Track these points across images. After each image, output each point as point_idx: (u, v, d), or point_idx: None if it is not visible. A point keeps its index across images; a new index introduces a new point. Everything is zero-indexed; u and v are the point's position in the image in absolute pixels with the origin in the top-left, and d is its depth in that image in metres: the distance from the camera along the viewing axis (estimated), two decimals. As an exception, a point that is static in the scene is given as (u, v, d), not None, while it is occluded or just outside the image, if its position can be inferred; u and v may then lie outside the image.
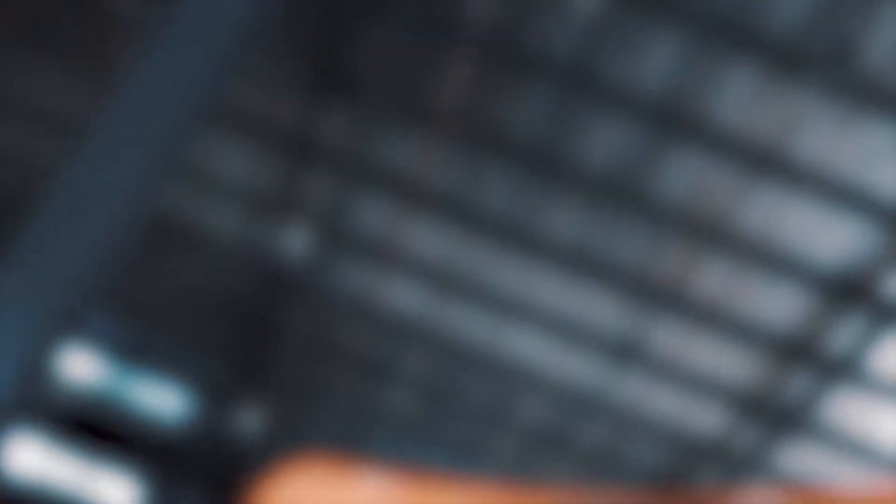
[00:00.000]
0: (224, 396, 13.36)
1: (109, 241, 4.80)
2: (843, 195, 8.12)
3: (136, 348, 12.94)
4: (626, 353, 9.96)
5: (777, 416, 10.46)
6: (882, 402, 9.72)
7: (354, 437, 13.35)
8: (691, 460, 11.57)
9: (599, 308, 10.03)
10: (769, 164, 8.20)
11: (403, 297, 10.83)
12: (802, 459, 11.01)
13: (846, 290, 8.79)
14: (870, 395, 9.68)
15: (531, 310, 10.31)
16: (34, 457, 13.07)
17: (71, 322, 4.75)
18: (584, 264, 9.50)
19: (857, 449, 10.39)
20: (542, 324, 10.37)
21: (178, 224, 10.86)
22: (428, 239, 9.95)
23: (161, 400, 13.86)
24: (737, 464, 11.16)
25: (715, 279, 9.27)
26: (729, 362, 10.13)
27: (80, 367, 13.32)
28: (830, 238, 8.51)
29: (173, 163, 5.14)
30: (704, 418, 10.92)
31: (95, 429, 13.89)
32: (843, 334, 9.32)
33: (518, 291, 10.23)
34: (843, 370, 9.32)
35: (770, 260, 8.79)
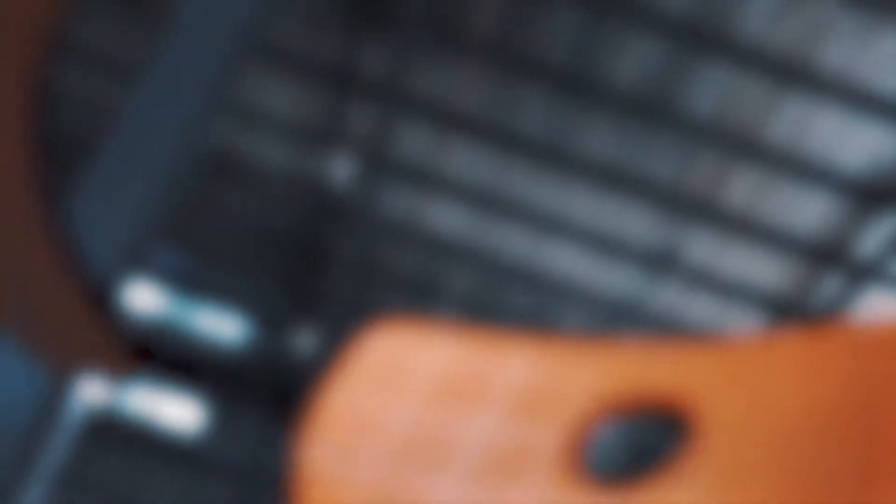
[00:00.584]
0: (280, 320, 13.57)
1: (169, 177, 4.92)
2: (868, 102, 8.09)
3: (195, 279, 13.16)
4: (660, 262, 9.99)
5: (809, 319, 10.51)
6: (911, 301, 9.76)
7: None
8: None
9: (633, 221, 10.06)
10: (794, 74, 8.17)
11: (445, 218, 10.89)
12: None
13: (873, 195, 8.78)
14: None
15: (568, 225, 10.35)
16: (103, 386, 13.41)
17: (136, 256, 4.90)
18: (617, 179, 9.52)
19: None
20: (578, 238, 10.40)
21: (230, 158, 10.96)
22: (467, 162, 9.98)
23: (221, 327, 14.14)
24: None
25: (745, 189, 9.27)
26: (761, 268, 10.16)
27: (144, 298, 13.61)
28: (856, 144, 8.48)
29: (223, 99, 5.24)
30: (738, 322, 10.99)
31: (161, 357, 14.22)
32: (871, 237, 9.32)
33: (555, 208, 10.26)
34: (872, 272, 9.33)
35: (798, 168, 8.78)
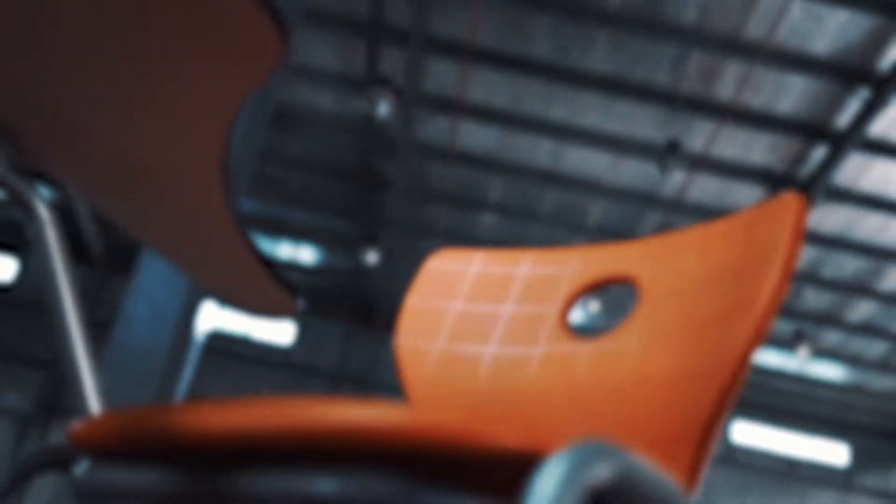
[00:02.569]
0: (348, 243, 13.81)
1: (248, 129, 5.13)
2: (831, -8, 8.01)
3: (271, 220, 13.41)
4: (667, 154, 10.04)
5: (801, 186, 10.57)
6: (889, 161, 9.77)
7: None
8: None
9: (639, 121, 10.10)
10: (765, -24, 8.12)
11: (477, 137, 10.96)
12: (827, 218, 11.14)
13: (845, 74, 8.78)
14: (877, 157, 9.73)
15: (582, 131, 10.39)
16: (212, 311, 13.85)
17: (238, 208, 5.14)
18: (620, 87, 9.53)
19: (872, 201, 10.49)
20: (593, 141, 10.43)
21: (288, 110, 11.06)
22: (489, 88, 10.01)
23: (300, 256, 14.44)
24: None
25: (733, 81, 9.28)
26: (754, 148, 10.21)
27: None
28: (825, 30, 8.45)
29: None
30: (741, 196, 11.07)
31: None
32: (847, 111, 9.34)
33: (569, 118, 10.29)
34: (851, 141, 9.34)
35: (777, 57, 8.77)
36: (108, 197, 0.97)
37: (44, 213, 0.91)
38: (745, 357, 0.86)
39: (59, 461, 0.80)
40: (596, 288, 1.08)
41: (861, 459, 14.86)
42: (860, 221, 10.97)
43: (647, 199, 11.37)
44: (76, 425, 0.76)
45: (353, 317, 16.08)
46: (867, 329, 12.85)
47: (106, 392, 0.83)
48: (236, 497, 0.64)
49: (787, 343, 13.63)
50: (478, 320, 1.06)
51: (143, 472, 0.70)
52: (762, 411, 14.97)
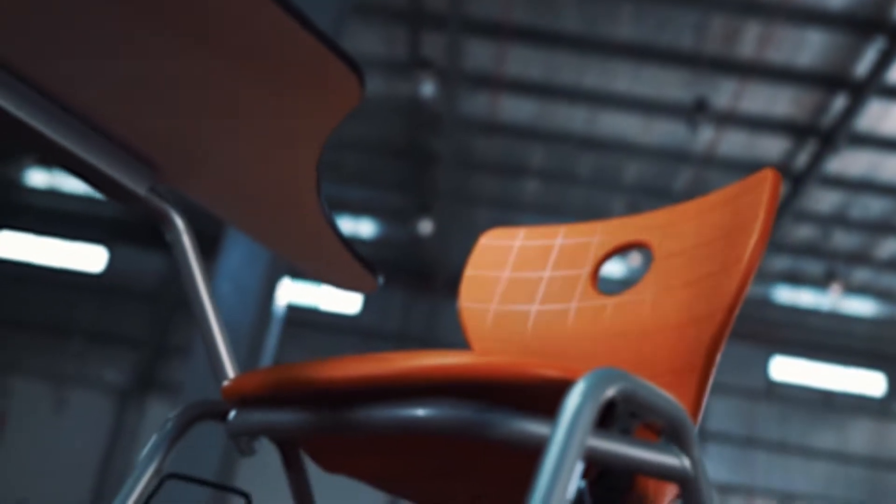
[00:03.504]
0: (404, 216, 13.97)
1: None
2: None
3: (333, 198, 13.62)
4: (695, 112, 10.04)
5: (825, 134, 10.51)
6: (907, 104, 9.67)
7: (505, 223, 13.76)
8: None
9: (667, 83, 10.11)
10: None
11: (516, 110, 11.03)
12: (851, 163, 11.06)
13: (859, 25, 8.71)
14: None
15: (614, 97, 10.41)
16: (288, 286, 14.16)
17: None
18: (647, 53, 9.54)
19: (894, 144, 10.40)
20: (624, 105, 10.46)
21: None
22: (524, 62, 10.07)
23: (359, 229, 14.66)
24: (799, 177, 11.30)
25: (754, 40, 9.25)
26: (778, 102, 10.16)
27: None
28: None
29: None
30: (769, 148, 11.03)
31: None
32: (864, 61, 9.26)
33: (601, 85, 10.32)
34: (870, 89, 9.27)
35: (794, 13, 8.72)
36: (226, 205, 1.15)
37: (180, 223, 1.09)
38: (734, 304, 1.02)
39: (213, 412, 0.99)
40: (617, 252, 1.25)
41: (896, 388, 14.80)
42: (883, 164, 10.88)
43: (679, 157, 11.38)
44: (226, 384, 0.95)
45: (412, 283, 16.30)
46: (895, 265, 12.76)
47: (211, 360, 1.01)
48: (352, 427, 0.82)
49: (819, 282, 13.58)
50: (523, 285, 1.23)
51: (279, 413, 0.89)
52: (799, 347, 14.95)
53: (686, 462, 0.77)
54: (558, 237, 1.30)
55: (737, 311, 1.04)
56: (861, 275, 13.29)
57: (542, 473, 0.63)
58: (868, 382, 14.92)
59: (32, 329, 14.86)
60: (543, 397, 0.76)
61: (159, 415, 14.51)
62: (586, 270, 1.23)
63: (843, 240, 12.55)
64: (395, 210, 13.94)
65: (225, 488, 0.97)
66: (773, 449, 14.43)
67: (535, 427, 0.72)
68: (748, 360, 14.89)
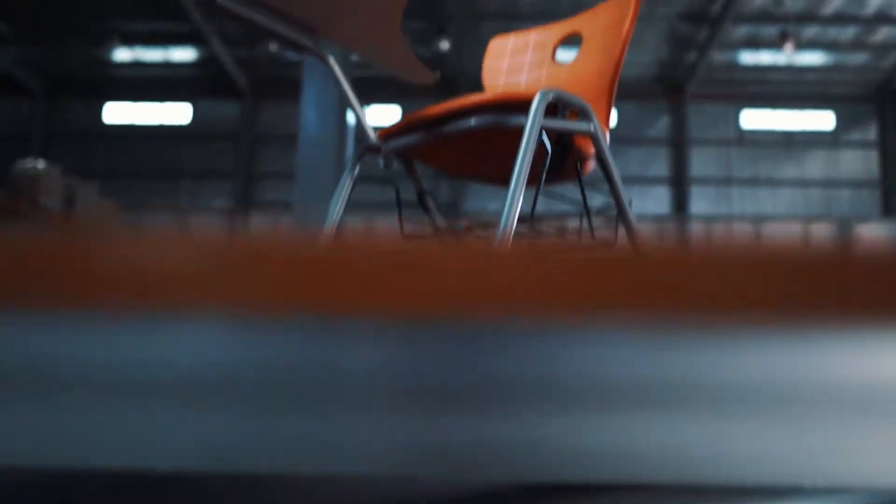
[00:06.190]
0: (425, 38, 14.13)
1: None
2: None
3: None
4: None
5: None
6: None
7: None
8: None
9: None
10: None
11: None
12: None
13: None
14: None
15: None
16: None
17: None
18: None
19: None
20: None
21: None
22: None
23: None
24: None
25: None
26: None
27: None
28: None
29: None
30: None
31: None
32: None
33: None
34: None
35: None
36: (341, 29, 1.80)
37: (333, 62, 1.77)
38: (620, 59, 1.69)
39: (372, 148, 1.71)
40: (565, 40, 1.91)
41: (844, 122, 15.23)
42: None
43: None
44: (380, 132, 1.67)
45: (439, 94, 16.70)
46: (839, 18, 12.88)
47: (361, 130, 1.59)
48: (440, 136, 1.54)
49: (774, 43, 13.78)
50: (515, 65, 1.90)
51: (405, 137, 1.61)
52: (763, 100, 15.32)
53: (592, 127, 1.49)
54: (532, 35, 1.96)
55: (622, 64, 1.71)
56: (810, 31, 13.45)
57: (524, 136, 1.35)
58: (820, 120, 15.37)
59: (147, 176, 15.79)
60: (524, 107, 1.46)
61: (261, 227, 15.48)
62: (548, 52, 1.90)
63: (792, 3, 12.65)
64: (417, 33, 14.21)
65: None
66: (745, 184, 15.18)
67: (521, 119, 1.44)
68: (722, 115, 15.35)
